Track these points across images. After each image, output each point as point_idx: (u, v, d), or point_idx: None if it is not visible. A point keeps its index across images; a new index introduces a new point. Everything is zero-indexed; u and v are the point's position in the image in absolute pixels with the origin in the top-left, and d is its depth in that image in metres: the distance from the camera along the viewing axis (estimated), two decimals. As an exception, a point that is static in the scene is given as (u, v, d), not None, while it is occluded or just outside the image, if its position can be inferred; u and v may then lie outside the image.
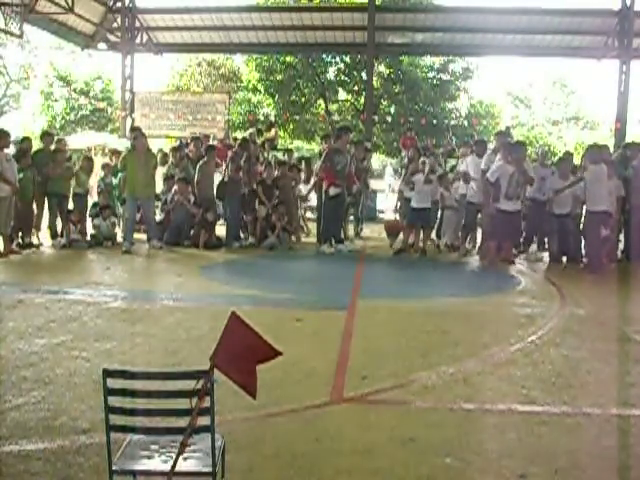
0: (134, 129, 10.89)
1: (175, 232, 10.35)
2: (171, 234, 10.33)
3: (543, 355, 4.72)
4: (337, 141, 10.14)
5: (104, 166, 11.47)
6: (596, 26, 17.23)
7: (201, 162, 10.61)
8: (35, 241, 9.73)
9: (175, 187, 10.60)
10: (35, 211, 9.90)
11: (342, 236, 10.46)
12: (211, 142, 13.57)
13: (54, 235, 9.95)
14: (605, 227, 8.80)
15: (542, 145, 25.53)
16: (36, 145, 10.90)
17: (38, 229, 10.00)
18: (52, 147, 10.40)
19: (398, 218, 11.32)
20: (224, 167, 10.86)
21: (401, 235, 10.38)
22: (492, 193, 8.89)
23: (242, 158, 10.50)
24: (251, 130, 13.11)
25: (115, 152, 12.02)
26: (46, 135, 10.75)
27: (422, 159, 10.16)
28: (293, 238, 10.89)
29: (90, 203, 10.85)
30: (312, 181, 11.74)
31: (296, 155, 15.93)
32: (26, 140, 10.08)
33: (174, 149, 11.94)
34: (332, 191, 9.80)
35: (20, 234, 9.50)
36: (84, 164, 10.79)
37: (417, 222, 9.94)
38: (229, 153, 10.88)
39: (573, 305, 6.51)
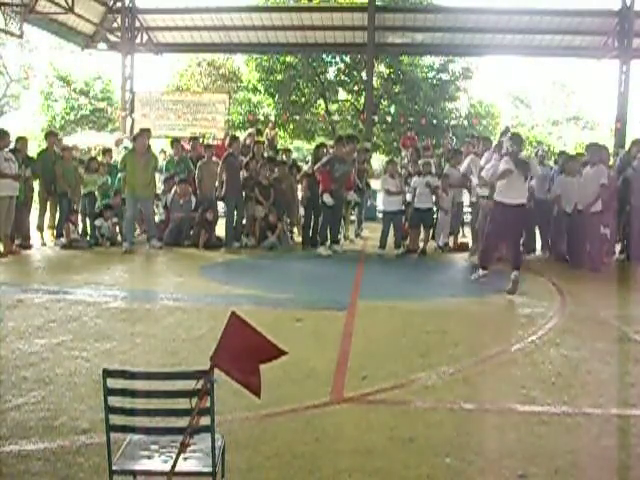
0: (142, 130, 10.90)
1: (175, 232, 10.35)
2: (171, 234, 10.33)
3: (543, 355, 4.72)
4: (341, 149, 9.94)
5: (99, 165, 11.43)
6: (596, 26, 17.24)
7: (200, 162, 10.60)
8: (40, 241, 9.76)
9: (175, 188, 10.60)
10: (37, 211, 9.93)
11: (339, 237, 10.44)
12: (211, 142, 13.60)
13: (59, 235, 9.95)
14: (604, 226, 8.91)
15: (541, 144, 25.52)
16: (37, 145, 10.89)
17: (42, 229, 10.01)
18: (55, 147, 10.43)
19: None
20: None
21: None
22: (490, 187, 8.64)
23: (237, 158, 10.50)
24: (251, 130, 13.11)
25: (107, 151, 12.00)
26: (50, 135, 10.72)
27: (422, 161, 10.13)
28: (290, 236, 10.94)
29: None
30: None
31: (295, 155, 15.94)
32: (20, 140, 9.93)
33: (175, 141, 11.97)
34: (325, 198, 9.66)
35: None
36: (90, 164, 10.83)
37: (419, 222, 9.98)
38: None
39: (573, 305, 6.51)
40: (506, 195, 7.12)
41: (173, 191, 10.65)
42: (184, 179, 10.65)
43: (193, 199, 10.64)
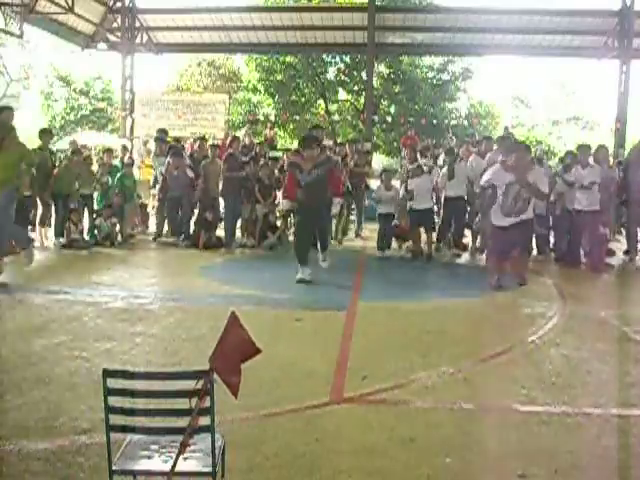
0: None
1: (173, 205, 10.36)
2: (170, 206, 10.39)
3: (543, 355, 4.72)
4: (297, 156, 8.26)
5: (100, 165, 11.41)
6: (596, 26, 17.25)
7: (205, 162, 10.60)
8: (39, 241, 9.74)
9: (168, 159, 10.41)
10: (34, 211, 9.92)
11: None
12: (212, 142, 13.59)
13: (59, 235, 9.93)
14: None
15: (540, 143, 25.53)
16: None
17: (43, 225, 10.00)
18: (50, 146, 10.41)
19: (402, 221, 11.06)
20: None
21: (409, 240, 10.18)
22: (485, 202, 7.51)
23: (237, 159, 10.48)
24: (245, 129, 13.11)
25: (108, 151, 11.98)
26: (45, 132, 10.50)
27: (411, 166, 9.93)
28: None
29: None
30: None
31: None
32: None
33: (176, 141, 11.92)
34: (285, 204, 8.24)
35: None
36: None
37: (417, 224, 9.85)
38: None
39: (573, 305, 6.50)
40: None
41: (166, 162, 10.52)
42: (178, 152, 10.45)
43: (189, 172, 10.34)
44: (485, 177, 7.44)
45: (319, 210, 7.70)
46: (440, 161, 10.48)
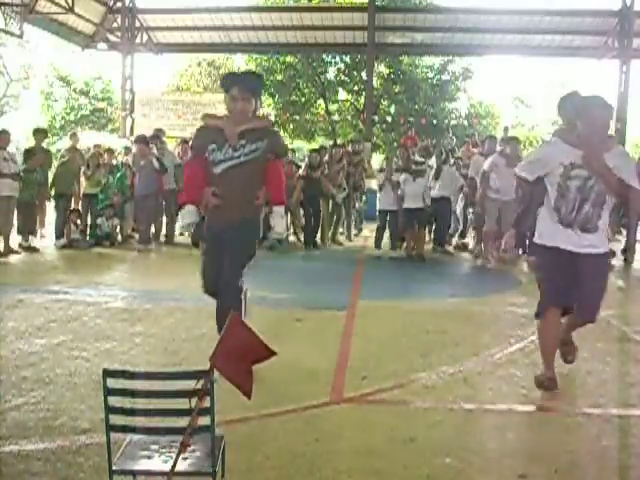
0: None
1: (138, 205, 10.02)
2: (137, 206, 10.06)
3: (543, 355, 4.71)
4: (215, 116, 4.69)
5: (102, 165, 11.36)
6: (596, 26, 17.27)
7: None
8: (38, 242, 9.74)
9: (134, 150, 10.18)
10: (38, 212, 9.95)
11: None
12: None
13: (60, 235, 9.92)
14: None
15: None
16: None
17: (42, 225, 10.00)
18: (43, 144, 10.36)
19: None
20: None
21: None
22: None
23: None
24: None
25: (109, 151, 11.94)
26: (38, 132, 10.37)
27: (415, 167, 9.90)
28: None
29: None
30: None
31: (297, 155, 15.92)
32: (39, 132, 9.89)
33: (183, 142, 11.75)
34: (185, 216, 4.37)
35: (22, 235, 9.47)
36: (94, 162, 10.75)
37: (412, 223, 9.79)
38: None
39: (573, 305, 6.48)
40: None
41: (133, 152, 10.36)
42: (142, 139, 10.14)
43: (155, 163, 9.88)
44: (531, 165, 4.03)
45: (237, 230, 4.17)
46: (431, 162, 10.42)
